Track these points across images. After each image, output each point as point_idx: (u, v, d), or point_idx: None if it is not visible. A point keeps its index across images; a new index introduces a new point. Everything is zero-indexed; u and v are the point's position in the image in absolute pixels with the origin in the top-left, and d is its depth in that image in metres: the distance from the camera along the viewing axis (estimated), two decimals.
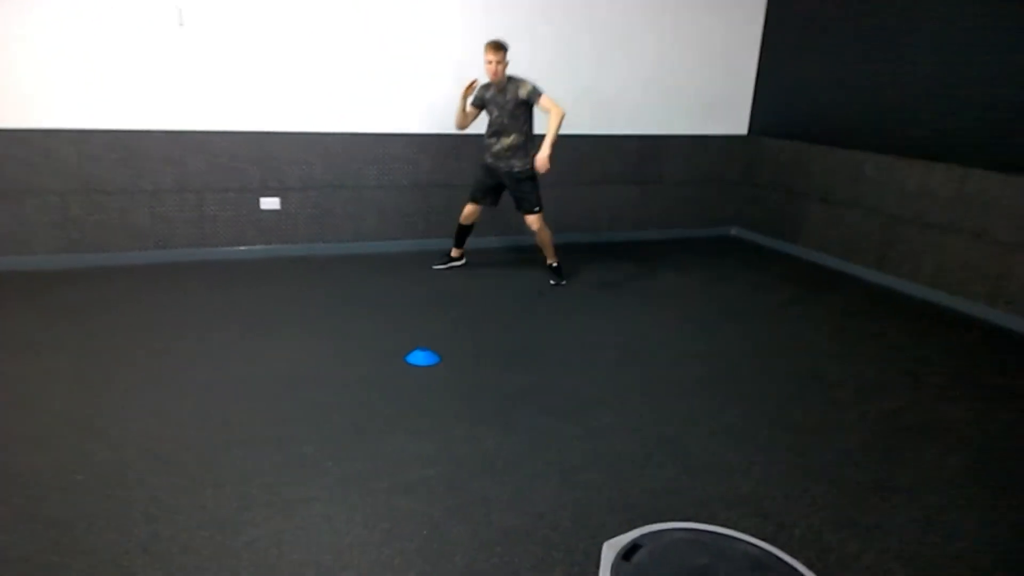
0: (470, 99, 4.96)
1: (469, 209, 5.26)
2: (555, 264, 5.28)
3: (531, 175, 4.98)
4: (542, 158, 4.74)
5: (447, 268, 5.48)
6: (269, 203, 5.41)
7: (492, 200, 5.26)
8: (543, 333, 4.34)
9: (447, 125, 5.74)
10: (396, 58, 5.46)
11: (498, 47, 4.71)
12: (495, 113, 4.89)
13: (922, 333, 4.65)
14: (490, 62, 4.71)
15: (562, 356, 4.02)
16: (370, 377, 3.63)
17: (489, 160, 5.04)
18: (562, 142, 6.11)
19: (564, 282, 5.21)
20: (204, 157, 5.18)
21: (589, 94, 6.10)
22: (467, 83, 4.88)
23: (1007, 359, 4.28)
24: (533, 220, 5.05)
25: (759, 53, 6.70)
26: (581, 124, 6.13)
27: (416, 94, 5.59)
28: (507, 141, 4.90)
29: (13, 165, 4.79)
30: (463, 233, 5.40)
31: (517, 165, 4.96)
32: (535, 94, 4.73)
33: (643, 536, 1.93)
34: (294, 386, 3.49)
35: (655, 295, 5.18)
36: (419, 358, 3.82)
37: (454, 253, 5.50)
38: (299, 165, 5.42)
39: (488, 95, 4.89)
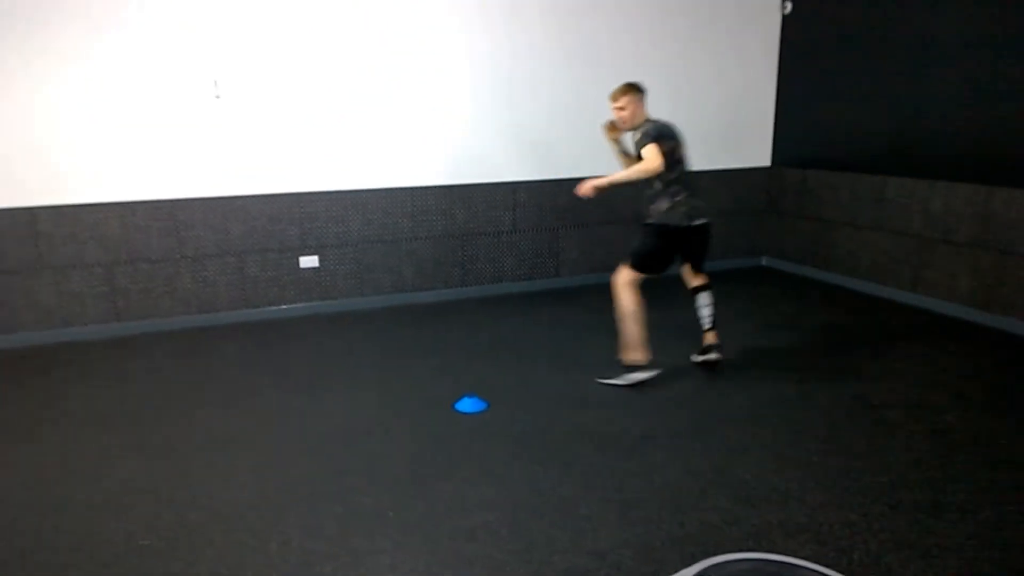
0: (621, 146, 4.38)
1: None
2: (629, 361, 4.16)
3: (645, 228, 4.21)
4: (590, 183, 4.09)
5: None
6: (308, 261, 5.56)
7: (684, 260, 4.39)
8: (586, 374, 4.38)
9: (478, 175, 5.90)
10: (423, 113, 5.64)
11: (615, 94, 4.13)
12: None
13: (961, 352, 4.63)
14: (614, 111, 4.15)
15: (607, 395, 4.05)
16: (421, 426, 3.69)
17: None
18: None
19: (620, 381, 4.17)
20: (243, 220, 5.36)
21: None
22: (603, 124, 4.34)
23: None
24: (617, 273, 4.20)
25: (776, 84, 6.81)
26: (609, 165, 6.23)
27: (444, 146, 5.75)
28: (647, 192, 4.19)
29: (59, 240, 4.99)
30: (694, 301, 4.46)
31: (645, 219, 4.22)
32: (640, 143, 3.99)
33: (707, 569, 1.96)
34: (348, 439, 3.56)
35: (696, 329, 5.21)
36: (467, 405, 3.88)
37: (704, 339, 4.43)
38: (336, 222, 5.59)
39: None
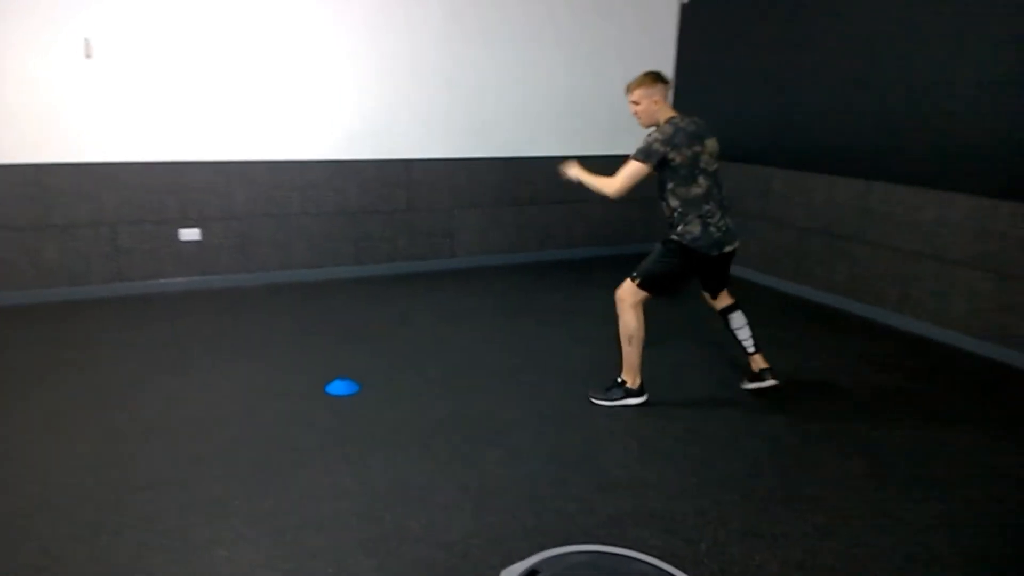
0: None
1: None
2: (622, 380, 3.74)
3: (665, 242, 3.56)
4: (573, 169, 3.66)
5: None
6: (189, 234, 5.30)
7: (704, 285, 3.85)
8: (467, 360, 4.33)
9: (371, 151, 5.74)
10: (311, 84, 5.43)
11: (630, 85, 3.50)
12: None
13: (830, 338, 4.80)
14: (629, 105, 3.55)
15: (479, 382, 4.02)
16: (288, 411, 3.57)
17: None
18: (492, 164, 6.18)
19: (606, 401, 3.73)
20: (117, 189, 5.05)
21: (518, 116, 6.18)
22: None
23: (1007, 396, 4.45)
24: (622, 287, 3.62)
25: (674, 77, 6.84)
26: (508, 147, 6.21)
27: (336, 120, 5.57)
28: (670, 206, 3.54)
29: None
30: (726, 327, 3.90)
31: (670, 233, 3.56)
32: (634, 154, 3.43)
33: (542, 562, 1.94)
34: (208, 425, 3.41)
35: (585, 313, 5.23)
36: (339, 387, 3.78)
37: (753, 364, 3.87)
38: (219, 195, 5.34)
39: None
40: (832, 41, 5.45)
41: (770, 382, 3.81)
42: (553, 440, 3.37)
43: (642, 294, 3.56)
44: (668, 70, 6.83)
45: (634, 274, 3.57)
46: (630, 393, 3.71)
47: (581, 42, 6.36)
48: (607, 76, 6.51)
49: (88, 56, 4.81)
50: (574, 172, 3.64)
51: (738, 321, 3.83)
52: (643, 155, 3.36)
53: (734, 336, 3.86)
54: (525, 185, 6.42)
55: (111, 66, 4.87)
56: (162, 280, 5.32)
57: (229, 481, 2.93)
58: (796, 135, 5.83)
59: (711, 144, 3.46)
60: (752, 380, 3.87)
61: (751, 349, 3.83)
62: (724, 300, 3.85)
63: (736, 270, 6.13)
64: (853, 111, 5.34)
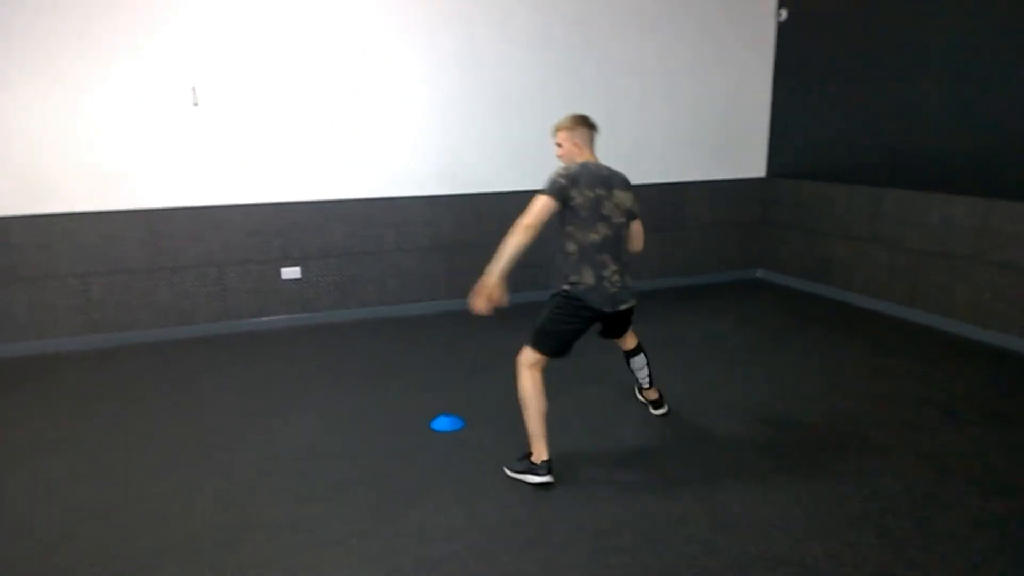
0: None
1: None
2: (529, 455, 3.24)
3: (557, 297, 3.26)
4: (480, 298, 3.15)
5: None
6: (290, 272, 5.44)
7: (602, 334, 3.57)
8: (569, 392, 4.25)
9: (464, 185, 5.78)
10: (404, 121, 5.53)
11: (556, 126, 3.37)
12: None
13: (954, 369, 4.49)
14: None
15: (590, 416, 3.92)
16: (394, 447, 3.56)
17: None
18: None
19: (513, 474, 3.25)
20: (223, 231, 5.24)
21: (608, 147, 6.09)
22: None
23: None
24: (522, 351, 3.25)
25: (771, 95, 6.69)
26: None
27: (432, 154, 5.64)
28: (562, 253, 3.33)
29: (33, 251, 4.88)
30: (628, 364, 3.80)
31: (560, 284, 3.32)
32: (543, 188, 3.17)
33: None
34: (316, 461, 3.43)
35: (686, 345, 5.07)
36: (444, 424, 3.75)
37: (646, 396, 3.92)
38: (318, 232, 5.47)
39: None
40: (938, 53, 5.20)
41: (663, 410, 3.90)
42: (666, 474, 3.24)
43: (536, 356, 3.17)
44: (766, 89, 6.67)
45: (530, 339, 3.21)
46: (531, 469, 3.18)
47: (680, 67, 6.28)
48: (709, 98, 6.42)
49: (195, 104, 5.03)
50: (484, 295, 3.11)
51: (639, 363, 3.74)
52: (548, 188, 3.12)
53: (634, 374, 3.80)
54: None
55: (216, 112, 5.08)
56: (265, 318, 5.46)
57: (342, 521, 2.92)
58: (905, 152, 5.56)
59: (621, 195, 3.23)
60: (652, 407, 3.92)
61: (647, 385, 3.82)
62: (629, 343, 3.70)
63: (851, 297, 5.89)
64: (963, 125, 5.06)
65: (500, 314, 5.65)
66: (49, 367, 4.76)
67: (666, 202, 6.51)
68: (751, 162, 6.81)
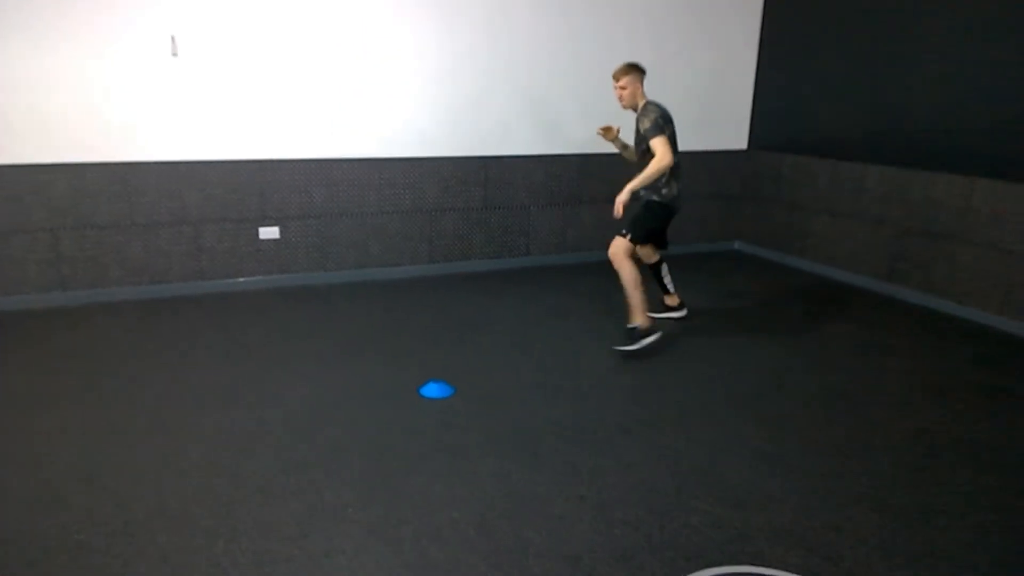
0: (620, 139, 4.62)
1: (644, 250, 4.69)
2: (635, 325, 4.27)
3: (649, 203, 4.39)
4: (618, 201, 4.08)
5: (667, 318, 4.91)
6: (268, 232, 5.28)
7: (658, 241, 4.73)
8: (558, 360, 4.21)
9: (449, 148, 5.66)
10: (389, 82, 5.36)
11: (617, 72, 4.27)
12: (635, 139, 4.37)
13: (939, 345, 4.56)
14: (615, 91, 4.32)
15: (580, 384, 3.89)
16: (385, 413, 3.49)
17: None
18: (567, 161, 6.06)
19: (636, 346, 4.23)
20: (200, 187, 5.05)
21: (590, 114, 6.02)
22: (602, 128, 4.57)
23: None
24: (616, 245, 4.26)
25: (756, 67, 6.66)
26: (584, 144, 6.06)
27: (413, 117, 5.49)
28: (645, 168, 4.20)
29: (2, 203, 4.64)
30: (655, 275, 4.85)
31: (646, 195, 4.40)
32: (650, 132, 4.13)
33: None
34: (307, 427, 3.34)
35: (672, 318, 5.07)
36: (433, 390, 3.69)
37: (669, 301, 4.92)
38: (298, 192, 5.30)
39: (636, 125, 4.32)
40: (923, 30, 5.20)
41: (683, 312, 4.93)
42: (665, 447, 3.23)
43: (632, 247, 4.23)
44: (751, 61, 6.64)
45: (625, 231, 4.24)
46: (648, 333, 4.23)
47: (665, 38, 6.19)
48: (693, 69, 6.36)
49: (174, 55, 4.80)
50: (623, 201, 4.08)
51: (665, 270, 4.84)
52: (660, 130, 4.11)
53: (660, 281, 4.84)
54: (601, 182, 6.27)
55: (196, 65, 4.86)
56: (241, 279, 5.30)
57: (340, 488, 2.85)
58: (889, 129, 5.58)
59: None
60: (666, 311, 4.90)
61: (672, 289, 4.87)
62: (656, 255, 4.77)
63: (831, 271, 5.94)
64: (949, 102, 5.09)
65: (483, 282, 5.61)
66: (17, 323, 4.56)
67: None
68: (733, 134, 6.79)
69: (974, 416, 3.60)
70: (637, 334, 4.23)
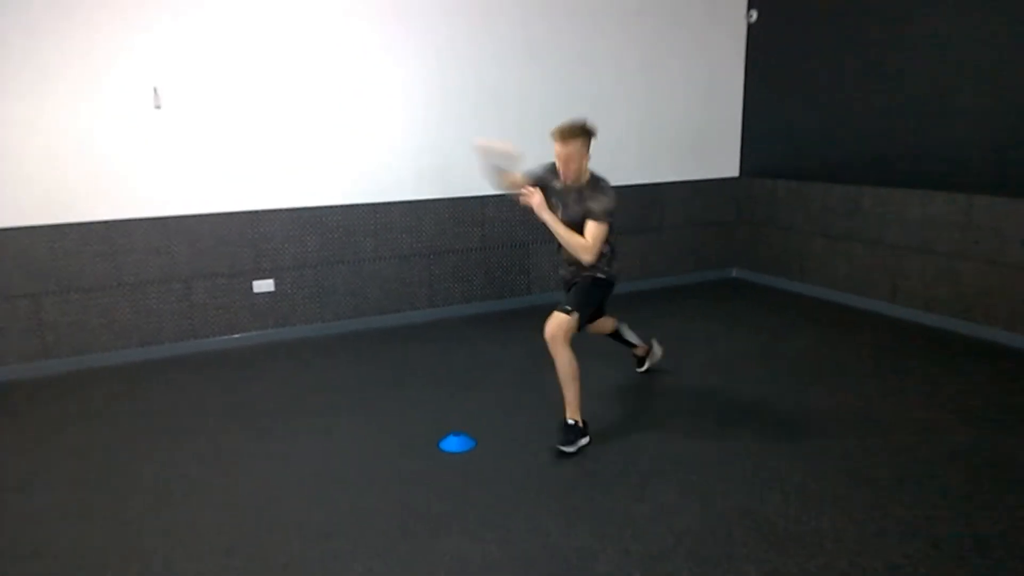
0: (520, 170, 3.73)
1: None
2: (573, 421, 3.50)
3: (597, 281, 3.69)
4: (538, 202, 3.47)
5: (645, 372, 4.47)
6: (263, 285, 5.11)
7: (597, 317, 4.09)
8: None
9: (444, 190, 5.56)
10: (381, 125, 5.27)
11: (566, 134, 3.36)
12: (559, 215, 3.55)
13: (953, 366, 4.50)
14: (558, 155, 3.41)
15: (600, 423, 3.74)
16: (405, 471, 3.31)
17: (561, 272, 3.90)
18: None
19: (574, 448, 3.44)
20: (189, 242, 4.88)
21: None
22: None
23: None
24: (550, 320, 3.47)
25: (743, 95, 6.68)
26: None
27: (408, 159, 5.39)
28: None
29: None
30: (617, 339, 4.34)
31: (589, 273, 3.69)
32: (598, 217, 3.45)
33: None
34: (324, 490, 3.16)
35: (673, 349, 4.96)
36: (454, 444, 3.52)
37: (640, 352, 4.44)
38: (292, 242, 5.15)
39: (556, 184, 3.56)
40: (911, 50, 5.23)
41: (660, 350, 4.47)
42: (700, 487, 3.09)
43: (575, 329, 3.47)
44: (738, 90, 6.65)
45: (569, 308, 3.45)
46: (584, 432, 3.51)
47: (651, 68, 6.20)
48: (681, 100, 6.36)
49: (157, 106, 4.66)
50: (537, 203, 3.48)
51: (625, 328, 4.34)
52: (607, 217, 3.47)
53: (626, 341, 4.33)
54: None
55: (180, 116, 4.73)
56: (236, 335, 5.11)
57: (369, 559, 2.66)
58: (882, 149, 5.58)
59: None
60: (641, 364, 4.46)
61: (639, 341, 4.38)
62: (610, 322, 4.22)
63: (831, 294, 5.86)
64: (941, 120, 5.10)
65: (485, 324, 5.47)
66: (0, 398, 4.33)
67: (644, 203, 6.41)
68: (725, 162, 6.78)
69: (1005, 436, 3.51)
70: (576, 432, 3.47)
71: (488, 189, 5.67)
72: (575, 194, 3.49)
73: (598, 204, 3.44)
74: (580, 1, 5.78)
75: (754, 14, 6.48)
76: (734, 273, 7.00)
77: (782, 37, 6.29)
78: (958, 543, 2.67)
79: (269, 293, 5.14)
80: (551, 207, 3.52)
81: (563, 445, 3.42)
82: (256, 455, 3.49)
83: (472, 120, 5.53)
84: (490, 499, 3.06)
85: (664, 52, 6.22)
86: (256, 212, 5.03)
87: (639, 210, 6.40)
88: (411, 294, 5.61)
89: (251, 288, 5.09)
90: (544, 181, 3.61)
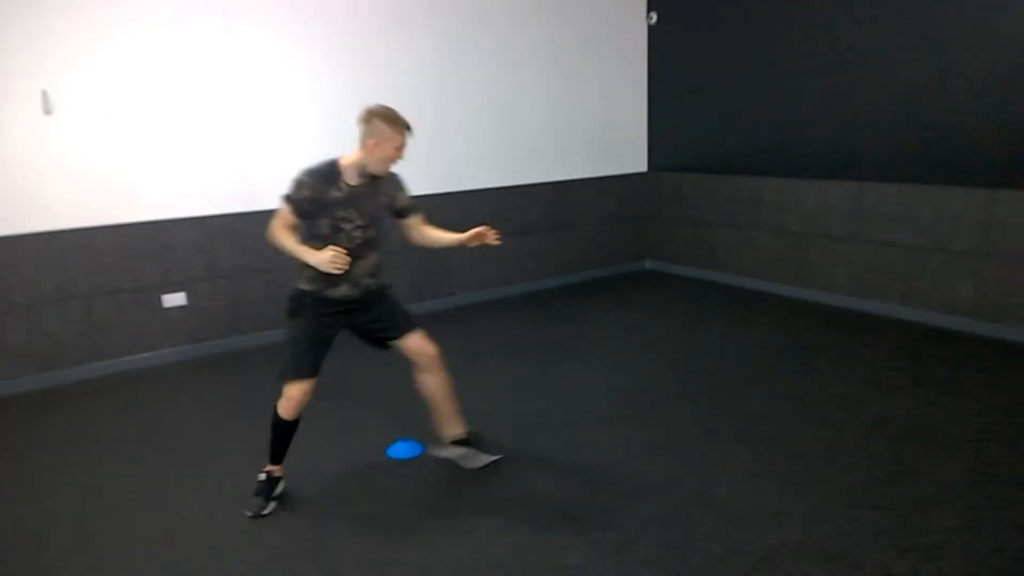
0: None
1: (301, 391, 3.03)
2: (467, 435, 3.30)
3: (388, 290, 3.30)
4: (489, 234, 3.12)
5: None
6: (173, 300, 4.82)
7: (322, 355, 3.13)
8: (515, 398, 4.07)
9: None
10: (288, 128, 5.08)
11: (407, 126, 2.98)
12: (355, 223, 2.97)
13: (859, 341, 4.80)
14: (399, 149, 2.95)
15: (546, 420, 3.76)
16: (358, 482, 3.21)
17: (339, 294, 3.05)
18: (480, 196, 5.96)
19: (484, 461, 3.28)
20: (88, 257, 4.53)
21: (497, 148, 6.00)
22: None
23: (945, 353, 4.49)
24: (421, 338, 3.23)
25: (647, 93, 6.88)
26: (495, 179, 6.02)
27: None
28: (372, 258, 3.14)
29: None
30: (288, 437, 3.11)
31: (379, 282, 3.26)
32: (413, 206, 3.23)
33: None
34: (270, 514, 2.99)
35: (598, 340, 5.05)
36: (402, 450, 3.44)
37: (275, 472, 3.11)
38: (203, 253, 4.88)
39: (335, 193, 2.92)
40: (804, 46, 5.55)
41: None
42: (653, 474, 3.15)
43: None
44: (642, 89, 6.85)
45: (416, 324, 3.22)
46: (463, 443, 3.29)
47: (564, 68, 6.31)
48: (588, 99, 6.50)
49: (47, 112, 4.31)
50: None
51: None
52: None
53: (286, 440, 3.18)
54: (516, 213, 6.23)
55: (73, 121, 4.38)
56: (146, 354, 4.79)
57: (348, 571, 2.55)
58: (780, 143, 5.89)
59: None
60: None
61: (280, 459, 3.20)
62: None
63: (741, 281, 6.12)
64: (833, 114, 5.44)
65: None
66: None
67: (558, 200, 6.49)
68: (633, 158, 6.96)
69: (920, 404, 3.78)
70: (475, 438, 3.31)
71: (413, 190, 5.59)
72: (367, 191, 2.98)
73: (404, 194, 3.18)
74: (495, 4, 5.79)
75: (654, 16, 6.69)
76: (647, 265, 7.20)
77: (681, 38, 6.53)
78: (899, 505, 2.84)
79: (181, 307, 4.85)
80: (334, 221, 2.93)
81: (493, 455, 3.29)
82: (185, 482, 3.27)
83: None
84: (449, 503, 3.01)
85: (575, 53, 6.33)
86: (159, 222, 4.73)
87: (553, 207, 6.47)
88: None
89: (160, 303, 4.78)
90: (320, 196, 2.91)
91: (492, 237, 3.13)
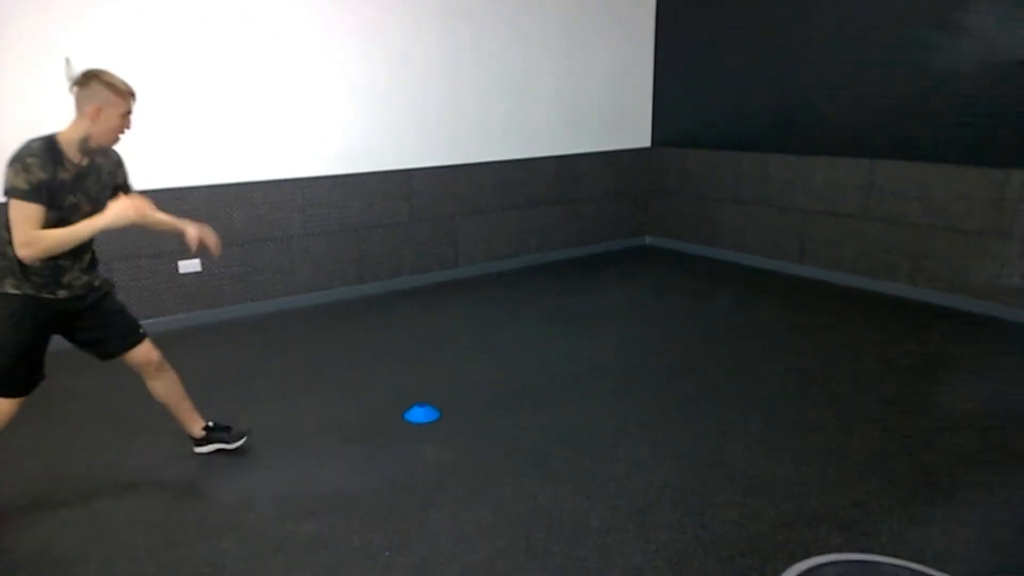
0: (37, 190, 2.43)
1: (11, 409, 2.69)
2: (210, 424, 3.18)
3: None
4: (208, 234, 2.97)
5: None
6: (189, 266, 4.85)
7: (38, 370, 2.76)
8: (527, 367, 4.13)
9: (371, 163, 5.44)
10: (305, 97, 5.08)
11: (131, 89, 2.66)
12: (83, 210, 2.58)
13: (867, 319, 4.88)
14: (124, 116, 2.65)
15: (558, 389, 3.83)
16: (378, 448, 3.28)
17: (60, 296, 2.65)
18: (488, 168, 5.99)
19: (235, 444, 3.17)
20: None
21: (502, 120, 6.01)
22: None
23: (954, 333, 4.58)
24: (147, 347, 3.00)
25: (653, 68, 6.87)
26: (502, 151, 6.05)
27: (332, 132, 5.23)
28: (91, 252, 2.82)
29: None
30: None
31: (101, 276, 2.91)
32: (130, 182, 2.95)
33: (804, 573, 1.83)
34: (292, 472, 3.07)
35: (603, 314, 5.11)
36: (419, 415, 3.50)
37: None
38: (217, 221, 4.88)
39: (66, 177, 2.51)
40: (816, 22, 5.56)
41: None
42: (668, 444, 3.23)
43: None
44: (648, 62, 6.83)
45: (143, 331, 3.02)
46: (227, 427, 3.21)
47: (573, 42, 6.28)
48: (593, 72, 6.48)
49: (71, 78, 4.28)
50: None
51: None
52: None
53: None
54: (521, 187, 6.25)
55: None
56: (161, 318, 4.83)
57: (361, 533, 2.63)
58: (788, 118, 5.91)
59: None
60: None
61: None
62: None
63: (742, 257, 6.17)
64: (845, 89, 5.47)
65: (412, 295, 5.43)
66: None
67: (563, 174, 6.51)
68: (637, 133, 6.97)
69: (927, 382, 3.87)
70: (221, 433, 3.19)
71: (415, 162, 5.62)
72: (91, 171, 2.66)
73: (125, 167, 2.92)
74: None
75: None
76: (648, 240, 7.25)
77: (689, 11, 6.50)
78: (909, 477, 2.93)
79: (196, 273, 4.88)
80: (62, 211, 2.51)
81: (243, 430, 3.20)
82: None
83: (398, 95, 5.43)
84: (470, 468, 3.08)
85: (585, 26, 6.30)
86: (176, 189, 4.74)
87: (558, 181, 6.49)
88: (341, 271, 5.47)
89: (177, 269, 4.82)
90: (52, 179, 2.46)
91: (213, 245, 2.94)
